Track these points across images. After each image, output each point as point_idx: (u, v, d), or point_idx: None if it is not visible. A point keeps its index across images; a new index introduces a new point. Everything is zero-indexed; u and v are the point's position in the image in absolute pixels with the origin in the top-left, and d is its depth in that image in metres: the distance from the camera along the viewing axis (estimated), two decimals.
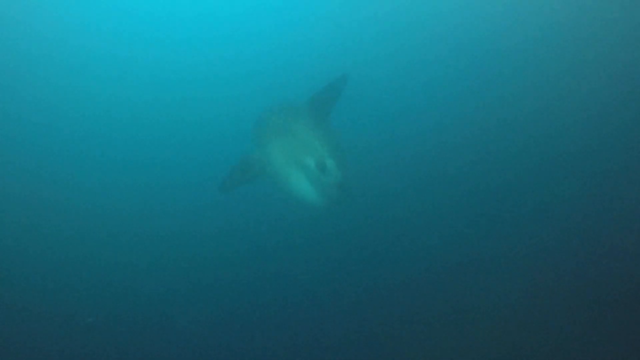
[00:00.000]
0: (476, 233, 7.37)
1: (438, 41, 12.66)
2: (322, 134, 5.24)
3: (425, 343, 6.00)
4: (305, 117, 5.43)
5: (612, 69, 9.88)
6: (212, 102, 12.51)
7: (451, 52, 12.19)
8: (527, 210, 7.67)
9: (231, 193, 5.58)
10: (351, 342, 6.29)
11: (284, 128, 5.31)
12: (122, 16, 15.16)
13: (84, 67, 13.66)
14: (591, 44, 10.63)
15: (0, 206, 8.89)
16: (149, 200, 9.24)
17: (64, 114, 12.20)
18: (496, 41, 11.71)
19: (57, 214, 8.90)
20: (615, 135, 8.51)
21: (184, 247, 8.02)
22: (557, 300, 6.14)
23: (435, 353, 5.94)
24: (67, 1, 14.45)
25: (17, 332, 6.70)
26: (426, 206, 8.01)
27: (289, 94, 6.34)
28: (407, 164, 8.93)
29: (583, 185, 7.70)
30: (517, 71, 10.78)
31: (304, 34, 14.46)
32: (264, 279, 7.28)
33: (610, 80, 9.60)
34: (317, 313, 6.77)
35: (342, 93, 6.25)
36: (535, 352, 5.77)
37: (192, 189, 9.13)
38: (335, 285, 7.02)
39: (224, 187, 5.56)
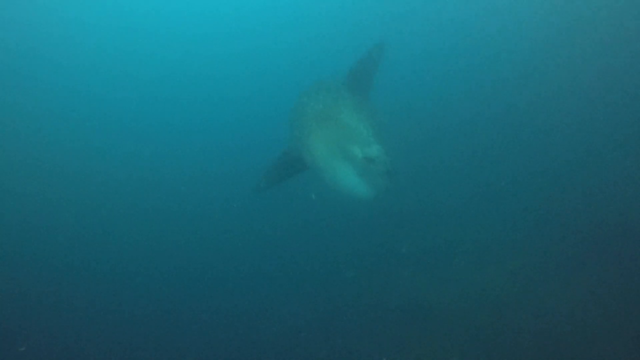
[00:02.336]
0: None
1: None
2: (365, 114, 4.51)
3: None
4: (345, 96, 4.68)
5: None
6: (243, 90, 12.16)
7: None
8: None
9: (265, 193, 5.02)
10: None
11: (324, 113, 4.54)
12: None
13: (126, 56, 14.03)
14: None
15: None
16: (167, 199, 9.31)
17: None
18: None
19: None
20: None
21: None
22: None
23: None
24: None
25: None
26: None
27: (323, 71, 5.65)
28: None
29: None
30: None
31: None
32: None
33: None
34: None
35: (381, 63, 5.56)
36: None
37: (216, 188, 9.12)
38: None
39: (259, 187, 4.91)
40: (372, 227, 7.94)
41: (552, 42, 11.08)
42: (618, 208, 6.98)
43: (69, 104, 12.31)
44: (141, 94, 13.10)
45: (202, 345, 6.44)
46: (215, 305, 7.06)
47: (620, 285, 5.80)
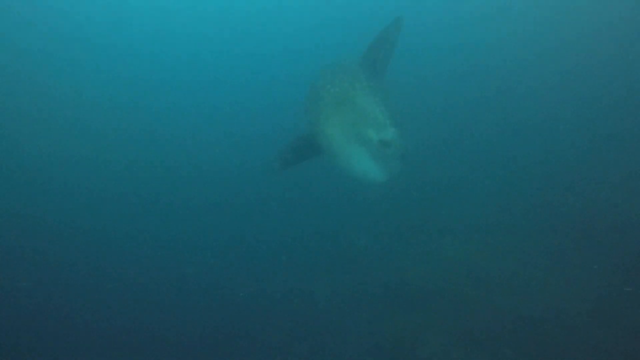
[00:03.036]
0: None
1: None
2: (380, 96, 4.42)
3: None
4: (361, 78, 4.55)
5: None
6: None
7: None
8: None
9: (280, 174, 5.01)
10: None
11: (339, 96, 4.44)
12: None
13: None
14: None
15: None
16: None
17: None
18: None
19: None
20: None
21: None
22: None
23: None
24: None
25: None
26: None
27: (337, 51, 5.49)
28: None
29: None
30: None
31: None
32: None
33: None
34: None
35: (398, 41, 5.37)
36: None
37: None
38: None
39: (273, 168, 4.87)
40: (360, 204, 7.97)
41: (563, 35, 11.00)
42: (606, 199, 7.03)
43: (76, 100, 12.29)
44: (149, 76, 13.10)
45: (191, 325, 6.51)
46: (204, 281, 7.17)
47: (605, 275, 5.82)
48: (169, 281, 7.17)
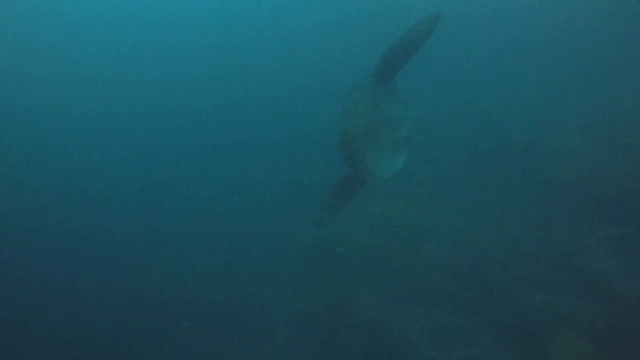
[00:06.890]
0: None
1: None
2: (397, 96, 4.70)
3: None
4: (379, 91, 4.67)
5: None
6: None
7: None
8: None
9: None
10: None
11: (366, 127, 4.54)
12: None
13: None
14: None
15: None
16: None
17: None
18: None
19: None
20: None
21: None
22: None
23: None
24: None
25: None
26: None
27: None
28: None
29: None
30: None
31: None
32: None
33: None
34: None
35: (429, 38, 4.75)
36: None
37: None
38: None
39: (323, 221, 5.19)
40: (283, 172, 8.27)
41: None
42: (519, 143, 7.29)
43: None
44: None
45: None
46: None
47: (525, 213, 6.00)
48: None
